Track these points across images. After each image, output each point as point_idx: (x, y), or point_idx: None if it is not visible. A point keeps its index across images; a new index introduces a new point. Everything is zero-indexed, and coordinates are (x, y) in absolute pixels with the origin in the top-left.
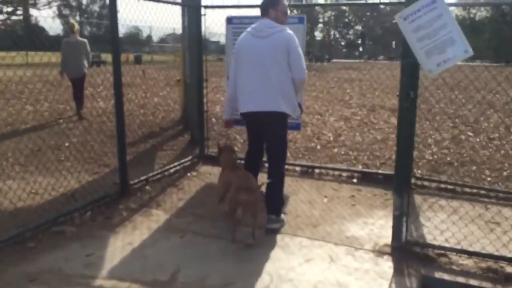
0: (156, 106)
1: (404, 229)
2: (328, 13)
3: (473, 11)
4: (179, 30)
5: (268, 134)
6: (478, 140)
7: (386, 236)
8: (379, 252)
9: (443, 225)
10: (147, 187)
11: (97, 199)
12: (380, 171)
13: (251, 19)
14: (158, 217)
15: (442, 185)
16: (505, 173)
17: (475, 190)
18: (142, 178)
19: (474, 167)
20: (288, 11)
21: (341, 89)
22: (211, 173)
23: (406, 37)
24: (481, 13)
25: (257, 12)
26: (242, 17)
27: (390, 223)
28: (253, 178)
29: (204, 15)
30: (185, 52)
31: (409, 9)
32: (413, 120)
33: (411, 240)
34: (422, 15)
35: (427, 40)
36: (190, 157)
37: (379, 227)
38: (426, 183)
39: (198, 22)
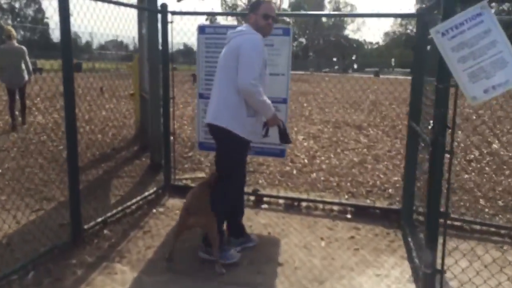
0: (104, 122)
1: None
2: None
3: (410, 27)
4: (122, 37)
5: (216, 151)
6: (456, 162)
7: None
8: None
9: (475, 277)
10: (106, 231)
11: (42, 253)
12: (377, 205)
13: (227, 28)
14: (123, 275)
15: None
16: (500, 203)
17: (484, 228)
18: (99, 219)
19: (466, 196)
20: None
21: (297, 103)
22: (181, 208)
23: (444, 57)
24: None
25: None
26: (216, 27)
27: (406, 275)
28: (205, 194)
29: (171, 22)
30: (142, 63)
31: (449, 23)
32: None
33: None
34: (466, 30)
35: (471, 61)
36: (154, 189)
37: (395, 281)
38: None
39: (164, 30)
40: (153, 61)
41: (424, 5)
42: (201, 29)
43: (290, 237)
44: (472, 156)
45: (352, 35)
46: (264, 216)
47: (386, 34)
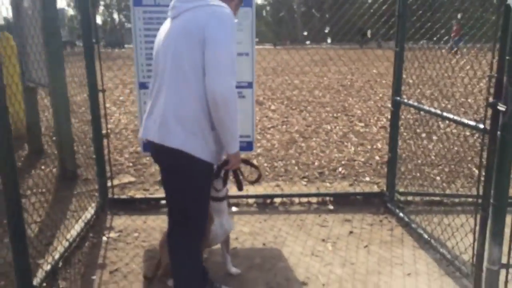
0: None
1: None
2: None
3: None
4: None
5: (166, 184)
6: (375, 131)
7: None
8: None
9: None
10: (60, 283)
11: None
12: (357, 191)
13: None
14: None
15: (428, 198)
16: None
17: (463, 199)
18: (47, 267)
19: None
20: None
21: None
22: (138, 229)
23: None
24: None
25: None
26: None
27: (434, 268)
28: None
29: None
30: (23, 43)
31: None
32: None
33: None
34: None
35: None
36: (92, 211)
37: (430, 278)
38: (410, 198)
39: None
40: (53, 39)
41: None
42: (137, 0)
43: (290, 244)
44: (383, 121)
45: None
46: (243, 222)
47: None
